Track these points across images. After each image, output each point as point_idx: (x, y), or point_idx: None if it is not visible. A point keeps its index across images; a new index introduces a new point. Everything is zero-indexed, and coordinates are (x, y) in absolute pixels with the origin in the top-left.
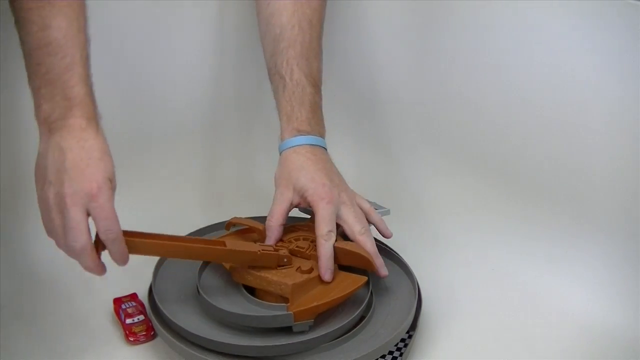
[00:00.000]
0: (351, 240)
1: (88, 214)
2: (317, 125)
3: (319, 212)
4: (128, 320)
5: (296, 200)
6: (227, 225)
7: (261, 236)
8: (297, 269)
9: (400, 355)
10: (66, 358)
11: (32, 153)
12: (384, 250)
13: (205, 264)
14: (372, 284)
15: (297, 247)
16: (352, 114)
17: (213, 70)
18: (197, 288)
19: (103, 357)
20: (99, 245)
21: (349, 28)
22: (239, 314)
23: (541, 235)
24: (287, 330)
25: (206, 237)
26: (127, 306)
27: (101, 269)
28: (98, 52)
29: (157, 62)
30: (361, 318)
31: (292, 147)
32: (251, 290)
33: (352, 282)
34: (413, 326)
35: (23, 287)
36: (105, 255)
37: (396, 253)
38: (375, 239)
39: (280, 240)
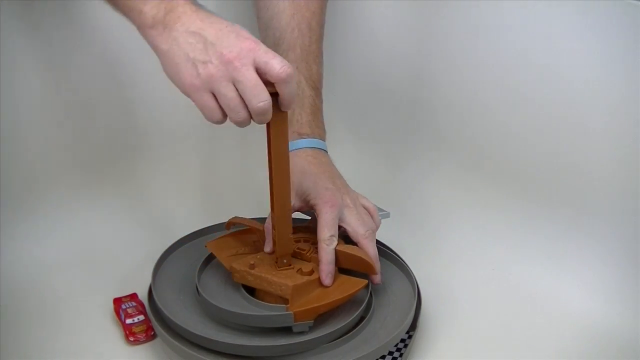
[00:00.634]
0: (353, 243)
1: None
2: (317, 128)
3: (321, 216)
4: (128, 320)
5: (298, 204)
6: (227, 224)
7: (261, 237)
8: (297, 271)
9: (400, 355)
10: (66, 358)
11: (32, 153)
12: (383, 251)
13: (205, 264)
14: (372, 285)
15: (298, 249)
16: (352, 115)
17: None
18: (197, 288)
19: (103, 357)
20: None
21: (349, 28)
22: (239, 313)
23: (541, 235)
24: (286, 330)
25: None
26: (127, 306)
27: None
28: (98, 52)
29: (157, 62)
30: (361, 319)
31: (293, 150)
32: (251, 291)
33: (353, 284)
34: (413, 326)
35: (23, 287)
36: (105, 255)
37: (395, 254)
38: (378, 240)
39: None
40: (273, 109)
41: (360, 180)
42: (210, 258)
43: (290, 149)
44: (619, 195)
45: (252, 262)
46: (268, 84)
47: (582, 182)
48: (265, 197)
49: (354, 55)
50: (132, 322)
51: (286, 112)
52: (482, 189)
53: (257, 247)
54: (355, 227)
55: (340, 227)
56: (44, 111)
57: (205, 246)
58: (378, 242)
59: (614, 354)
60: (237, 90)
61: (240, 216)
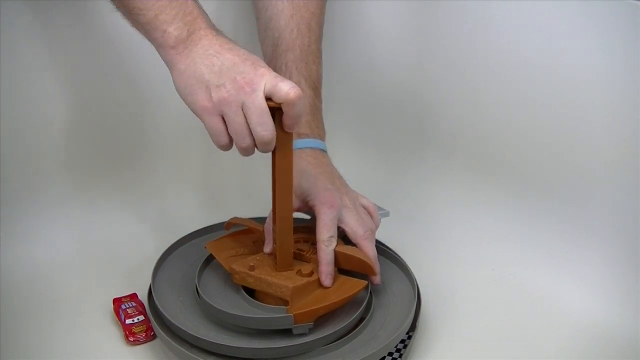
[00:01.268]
0: (352, 244)
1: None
2: (317, 128)
3: (320, 217)
4: (128, 321)
5: (297, 204)
6: (227, 225)
7: (261, 237)
8: (297, 272)
9: (400, 356)
10: (66, 358)
11: (32, 153)
12: (383, 250)
13: (205, 264)
14: (372, 285)
15: (297, 249)
16: (352, 116)
17: None
18: (197, 289)
19: (103, 357)
20: None
21: (349, 29)
22: (239, 315)
23: (541, 235)
24: (286, 332)
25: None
26: (127, 306)
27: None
28: (97, 52)
29: (156, 62)
30: (361, 319)
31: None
32: (251, 292)
33: (352, 285)
34: (412, 327)
35: (23, 287)
36: (105, 255)
37: (395, 253)
38: (378, 240)
39: None
40: (277, 130)
41: (360, 181)
42: (211, 258)
43: None
44: (619, 195)
45: (251, 264)
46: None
47: (583, 182)
48: (265, 197)
49: (354, 56)
50: (131, 322)
51: (291, 134)
52: (482, 189)
53: (257, 247)
54: (354, 227)
55: (339, 227)
56: (44, 111)
57: (205, 247)
58: (378, 242)
59: (614, 354)
60: (244, 117)
61: (239, 217)
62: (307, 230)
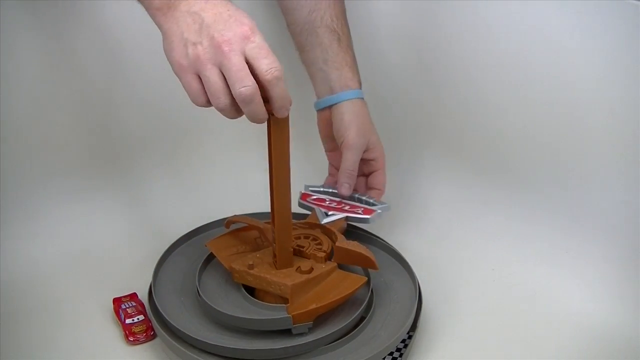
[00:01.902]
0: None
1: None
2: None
3: (382, 170)
4: (128, 320)
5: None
6: (227, 223)
7: (262, 234)
8: (296, 269)
9: (400, 355)
10: (66, 358)
11: (32, 154)
12: (385, 247)
13: (205, 263)
14: (372, 283)
15: (297, 246)
16: None
17: None
18: (197, 289)
19: (103, 357)
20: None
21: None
22: (238, 317)
23: (541, 235)
24: (287, 332)
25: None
26: (127, 306)
27: (266, 114)
28: (98, 52)
29: (156, 62)
30: (361, 318)
31: (361, 98)
32: (251, 290)
33: (352, 282)
34: (413, 326)
35: (23, 287)
36: (105, 255)
37: (396, 250)
38: (380, 238)
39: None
40: (270, 115)
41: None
42: (211, 257)
43: (360, 97)
44: (620, 195)
45: (250, 262)
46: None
47: (583, 181)
48: (264, 194)
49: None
50: (131, 322)
51: (287, 121)
52: (483, 189)
53: (258, 244)
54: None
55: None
56: (44, 111)
57: (205, 245)
58: (381, 241)
59: (614, 354)
60: (222, 75)
61: (239, 214)
62: (306, 226)
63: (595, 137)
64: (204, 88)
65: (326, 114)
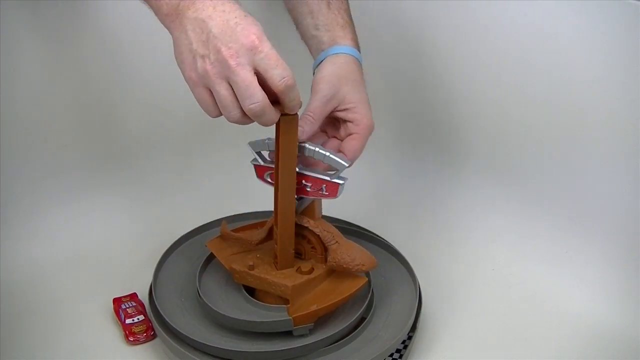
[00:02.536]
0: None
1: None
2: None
3: (360, 136)
4: (128, 320)
5: (334, 105)
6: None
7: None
8: (297, 270)
9: (400, 356)
10: (66, 358)
11: (33, 154)
12: (387, 247)
13: (206, 264)
14: (373, 283)
15: (297, 246)
16: None
17: None
18: (197, 291)
19: (103, 357)
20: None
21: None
22: (239, 319)
23: (541, 235)
24: (287, 333)
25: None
26: (127, 306)
27: (277, 119)
28: (98, 52)
29: (157, 62)
30: (362, 319)
31: (353, 55)
32: (252, 291)
33: (353, 283)
34: (413, 327)
35: (23, 287)
36: (105, 255)
37: (395, 249)
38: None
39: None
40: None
41: (359, 180)
42: (211, 257)
43: (351, 53)
44: (620, 196)
45: (251, 263)
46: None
47: (583, 181)
48: (264, 194)
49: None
50: (132, 322)
51: (296, 117)
52: (483, 189)
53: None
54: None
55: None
56: (44, 111)
57: (206, 245)
58: (381, 240)
59: (614, 354)
60: (232, 88)
61: (238, 213)
62: (304, 227)
63: (596, 137)
64: (215, 101)
65: None
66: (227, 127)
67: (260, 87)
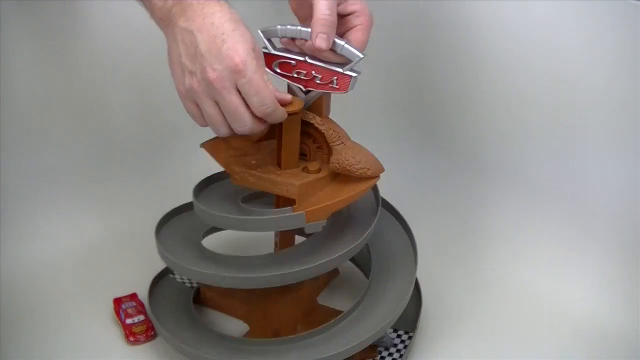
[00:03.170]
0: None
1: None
2: None
3: (364, 27)
4: (128, 320)
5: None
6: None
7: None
8: (303, 169)
9: (400, 356)
10: (66, 358)
11: (33, 154)
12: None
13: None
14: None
15: (300, 146)
16: (352, 114)
17: None
18: (194, 198)
19: (103, 357)
20: None
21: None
22: (248, 219)
23: (541, 235)
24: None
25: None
26: (127, 306)
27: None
28: (98, 53)
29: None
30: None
31: None
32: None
33: (362, 183)
34: (413, 326)
35: (23, 287)
36: (105, 255)
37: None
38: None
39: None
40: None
41: None
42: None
43: None
44: (620, 196)
45: (253, 162)
46: None
47: (583, 181)
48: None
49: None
50: (132, 322)
51: (298, 115)
52: (483, 189)
53: (259, 147)
54: None
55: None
56: (44, 111)
57: (201, 146)
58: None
59: (614, 354)
60: (219, 107)
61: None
62: (308, 124)
63: (596, 137)
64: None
65: None
66: None
67: (247, 111)
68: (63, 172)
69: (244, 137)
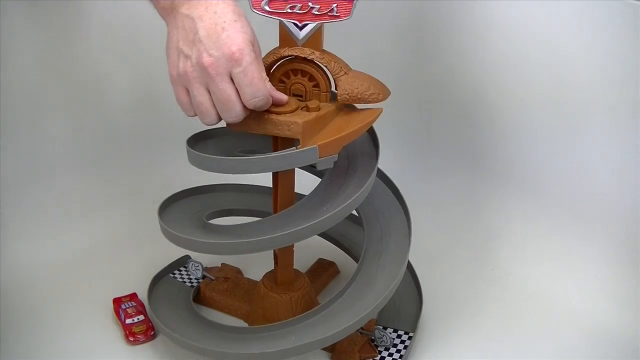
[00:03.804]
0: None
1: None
2: None
3: None
4: (128, 320)
5: None
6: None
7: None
8: (302, 108)
9: (400, 357)
10: (66, 358)
11: (33, 154)
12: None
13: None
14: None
15: (295, 85)
16: None
17: None
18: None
19: (103, 357)
20: None
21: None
22: (256, 157)
23: (541, 235)
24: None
25: None
26: (127, 306)
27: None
28: (98, 50)
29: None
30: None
31: None
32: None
33: (368, 113)
34: (413, 327)
35: (23, 287)
36: (105, 255)
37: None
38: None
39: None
40: None
41: None
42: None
43: None
44: (619, 196)
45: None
46: None
47: (583, 182)
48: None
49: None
50: (132, 322)
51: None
52: (483, 189)
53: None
54: None
55: None
56: (44, 112)
57: None
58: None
59: (614, 354)
60: (209, 94)
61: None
62: (310, 62)
63: (596, 137)
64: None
65: None
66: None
67: (239, 101)
68: (63, 173)
69: None
